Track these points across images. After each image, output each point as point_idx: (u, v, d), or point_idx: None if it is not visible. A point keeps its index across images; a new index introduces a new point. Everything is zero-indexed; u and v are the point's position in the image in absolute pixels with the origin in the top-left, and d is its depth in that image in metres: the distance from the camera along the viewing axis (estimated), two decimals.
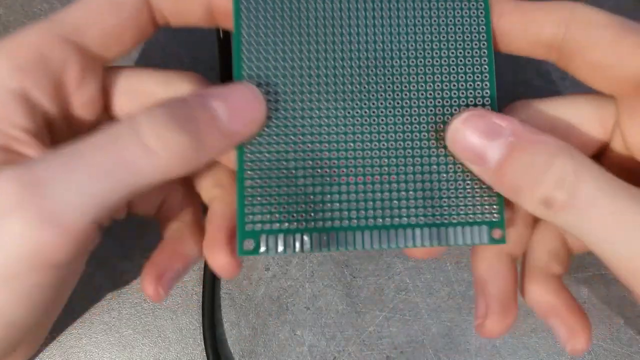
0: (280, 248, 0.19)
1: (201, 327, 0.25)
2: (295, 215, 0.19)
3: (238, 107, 0.18)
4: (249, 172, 0.19)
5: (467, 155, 0.19)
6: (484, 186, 0.20)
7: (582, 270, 0.26)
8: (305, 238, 0.19)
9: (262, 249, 0.19)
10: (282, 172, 0.19)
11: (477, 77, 0.20)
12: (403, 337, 0.26)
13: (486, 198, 0.20)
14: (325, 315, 0.26)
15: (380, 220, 0.20)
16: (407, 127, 0.20)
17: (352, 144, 0.20)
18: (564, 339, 0.21)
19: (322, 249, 0.19)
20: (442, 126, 0.20)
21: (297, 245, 0.19)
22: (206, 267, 0.26)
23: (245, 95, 0.19)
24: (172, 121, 0.17)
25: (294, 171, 0.19)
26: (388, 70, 0.20)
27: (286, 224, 0.19)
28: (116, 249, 0.26)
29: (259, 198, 0.19)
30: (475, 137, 0.19)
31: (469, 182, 0.20)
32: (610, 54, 0.19)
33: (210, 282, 0.26)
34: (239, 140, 0.19)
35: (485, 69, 0.20)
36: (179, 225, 0.23)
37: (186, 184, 0.24)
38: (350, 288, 0.26)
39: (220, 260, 0.20)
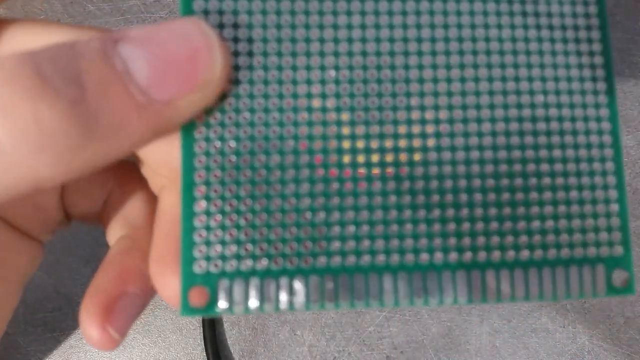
0: (254, 303, 0.11)
1: (201, 327, 0.25)
2: (279, 246, 0.11)
3: (171, 58, 0.10)
4: (201, 171, 0.11)
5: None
6: (596, 196, 0.12)
7: None
8: (298, 285, 0.11)
9: (222, 304, 0.11)
10: (259, 173, 0.11)
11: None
12: (403, 337, 0.25)
13: (602, 218, 0.12)
14: (325, 315, 0.25)
15: (426, 256, 0.12)
16: (468, 100, 0.12)
17: (377, 128, 0.12)
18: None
19: (326, 303, 0.11)
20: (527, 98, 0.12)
21: (283, 297, 0.11)
22: None
23: (188, 38, 0.11)
24: (33, 81, 0.09)
25: (278, 172, 0.11)
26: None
27: (264, 262, 0.11)
28: None
29: (217, 217, 0.11)
30: None
31: (573, 189, 0.12)
32: None
33: None
34: (172, 119, 0.11)
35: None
36: (128, 231, 0.15)
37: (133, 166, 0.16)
38: None
39: (168, 288, 0.12)
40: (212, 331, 0.25)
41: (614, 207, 0.12)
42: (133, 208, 0.15)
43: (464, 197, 0.12)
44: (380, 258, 0.12)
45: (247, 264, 0.11)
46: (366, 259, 0.12)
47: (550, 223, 0.12)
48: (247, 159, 0.12)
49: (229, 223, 0.11)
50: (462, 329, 0.25)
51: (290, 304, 0.11)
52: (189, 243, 0.11)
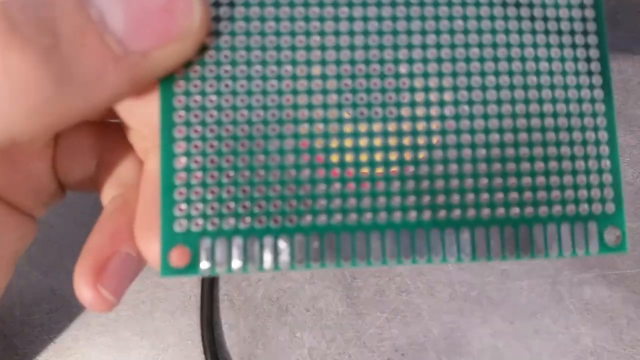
0: (237, 263, 0.11)
1: (199, 329, 0.24)
2: (263, 204, 0.11)
3: (147, 7, 0.10)
4: (181, 127, 0.11)
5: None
6: (588, 152, 0.12)
7: (585, 270, 0.25)
8: (282, 244, 0.11)
9: (204, 264, 0.11)
10: (241, 129, 0.11)
11: None
12: (404, 339, 0.24)
13: (594, 174, 0.12)
14: (325, 317, 0.25)
15: (414, 214, 0.11)
16: (457, 53, 0.12)
17: (363, 81, 0.11)
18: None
19: (311, 263, 0.11)
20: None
21: (267, 257, 0.11)
22: None
23: None
24: (2, 28, 0.09)
25: (261, 128, 0.11)
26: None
27: (247, 220, 0.11)
28: None
29: (198, 174, 0.11)
30: None
31: (565, 144, 0.12)
32: None
33: (209, 284, 0.25)
34: (150, 71, 0.10)
35: None
36: (121, 191, 0.15)
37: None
38: (350, 289, 0.25)
39: (151, 251, 0.12)
40: (211, 333, 0.25)
41: (606, 163, 0.12)
42: (125, 169, 0.15)
43: (453, 152, 0.11)
44: (367, 216, 0.11)
45: (230, 222, 0.11)
46: (353, 217, 0.11)
47: (541, 179, 0.12)
48: (229, 114, 0.11)
49: (211, 180, 0.11)
50: (464, 331, 0.25)
51: (275, 263, 0.11)
52: (168, 201, 0.11)
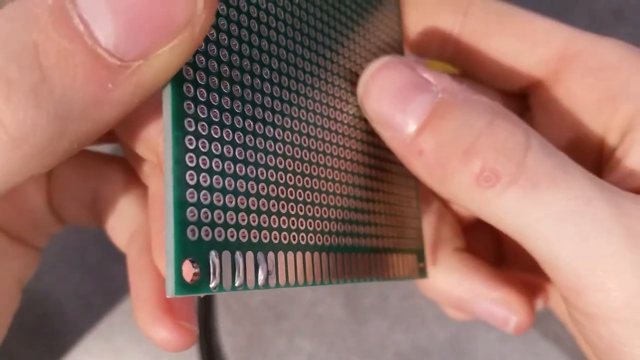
0: (238, 281, 0.10)
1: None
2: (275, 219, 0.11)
3: (139, 2, 0.08)
4: (190, 120, 0.10)
5: (378, 120, 0.14)
6: (410, 204, 0.16)
7: None
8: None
9: (214, 281, 0.10)
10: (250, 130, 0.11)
11: None
12: (407, 345, 0.24)
13: (413, 219, 0.16)
14: (325, 323, 0.25)
15: (321, 237, 0.12)
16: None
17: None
18: (502, 319, 0.18)
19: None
20: None
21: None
22: None
23: None
24: None
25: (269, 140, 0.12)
26: None
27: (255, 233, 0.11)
28: (106, 252, 0.25)
29: (216, 178, 0.10)
30: (389, 95, 0.13)
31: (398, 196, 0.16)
32: (520, 40, 0.16)
33: None
34: (156, 75, 0.09)
35: None
36: (136, 229, 0.15)
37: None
38: (351, 295, 0.25)
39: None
40: (207, 340, 0.25)
41: (415, 211, 0.17)
42: (129, 203, 0.15)
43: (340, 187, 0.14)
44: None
45: (243, 234, 0.10)
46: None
47: (380, 218, 0.15)
48: (239, 118, 0.11)
49: (227, 186, 0.10)
50: (469, 336, 0.25)
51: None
52: (179, 202, 0.10)
